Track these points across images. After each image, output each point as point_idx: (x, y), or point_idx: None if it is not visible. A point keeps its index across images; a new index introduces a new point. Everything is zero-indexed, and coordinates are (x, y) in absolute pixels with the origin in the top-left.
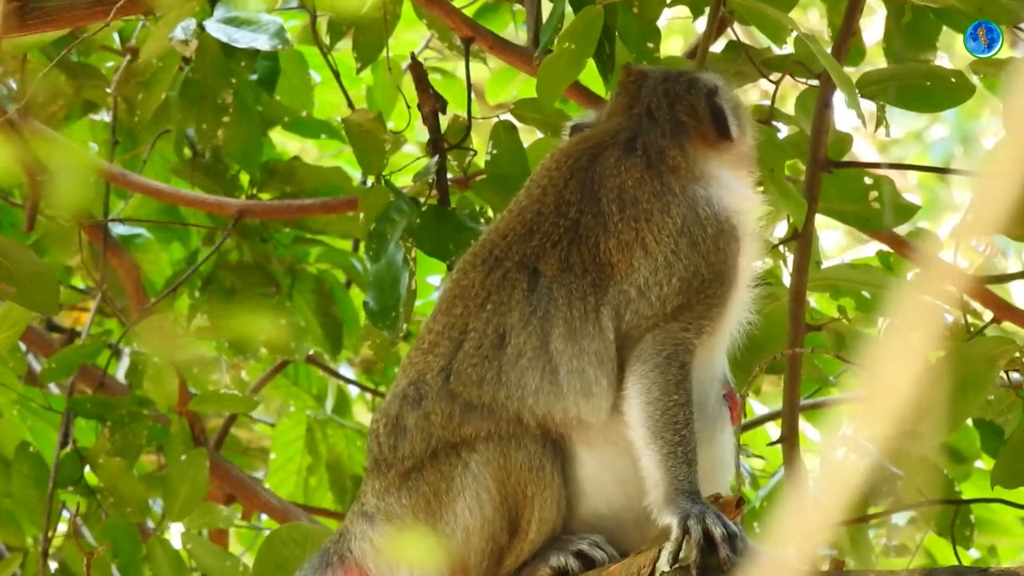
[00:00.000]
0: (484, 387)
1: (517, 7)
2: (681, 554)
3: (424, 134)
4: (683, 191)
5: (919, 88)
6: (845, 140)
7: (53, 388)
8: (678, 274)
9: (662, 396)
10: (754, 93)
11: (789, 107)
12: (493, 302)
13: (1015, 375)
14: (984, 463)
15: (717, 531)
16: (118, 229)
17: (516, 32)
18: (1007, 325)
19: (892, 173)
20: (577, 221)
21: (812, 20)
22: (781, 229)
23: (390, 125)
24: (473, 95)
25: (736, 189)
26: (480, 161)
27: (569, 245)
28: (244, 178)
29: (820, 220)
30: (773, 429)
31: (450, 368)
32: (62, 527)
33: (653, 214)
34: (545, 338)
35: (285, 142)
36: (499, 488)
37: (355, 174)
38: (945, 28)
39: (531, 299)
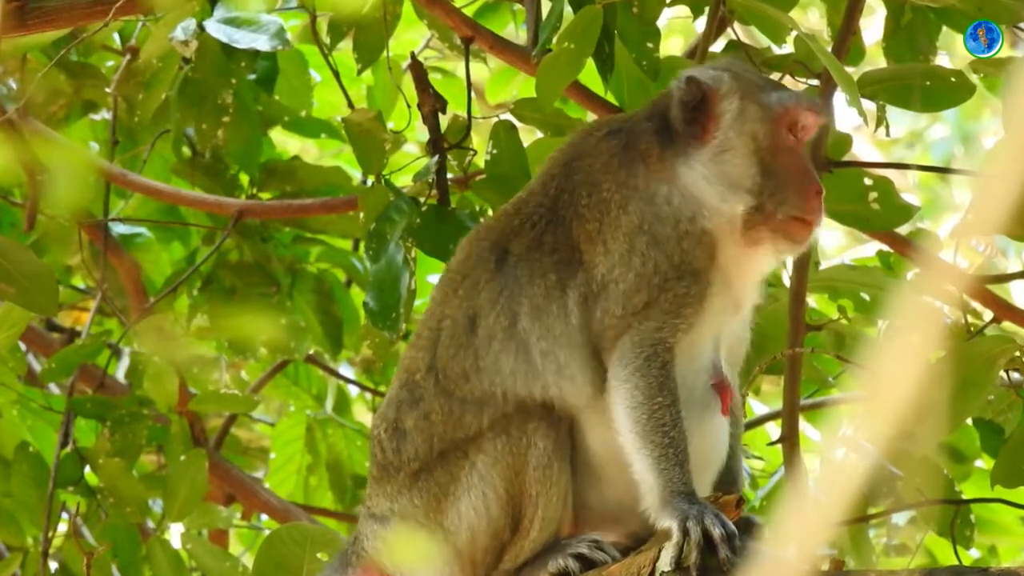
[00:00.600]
0: (470, 379)
1: (517, 7)
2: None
3: (424, 134)
4: (646, 186)
5: (919, 88)
6: (845, 140)
7: (53, 388)
8: (635, 270)
9: (646, 400)
10: None
11: None
12: (464, 286)
13: (1015, 375)
14: (984, 463)
15: (716, 531)
16: (118, 229)
17: (516, 32)
18: (1007, 325)
19: (892, 173)
20: (556, 199)
21: (812, 20)
22: None
23: (390, 125)
24: (473, 95)
25: (715, 186)
26: (480, 161)
27: (546, 224)
28: (244, 178)
29: None
30: (773, 429)
31: (435, 365)
32: (62, 527)
33: (611, 208)
34: (513, 318)
35: (285, 142)
36: (506, 487)
37: (355, 174)
38: (945, 28)
39: (498, 279)
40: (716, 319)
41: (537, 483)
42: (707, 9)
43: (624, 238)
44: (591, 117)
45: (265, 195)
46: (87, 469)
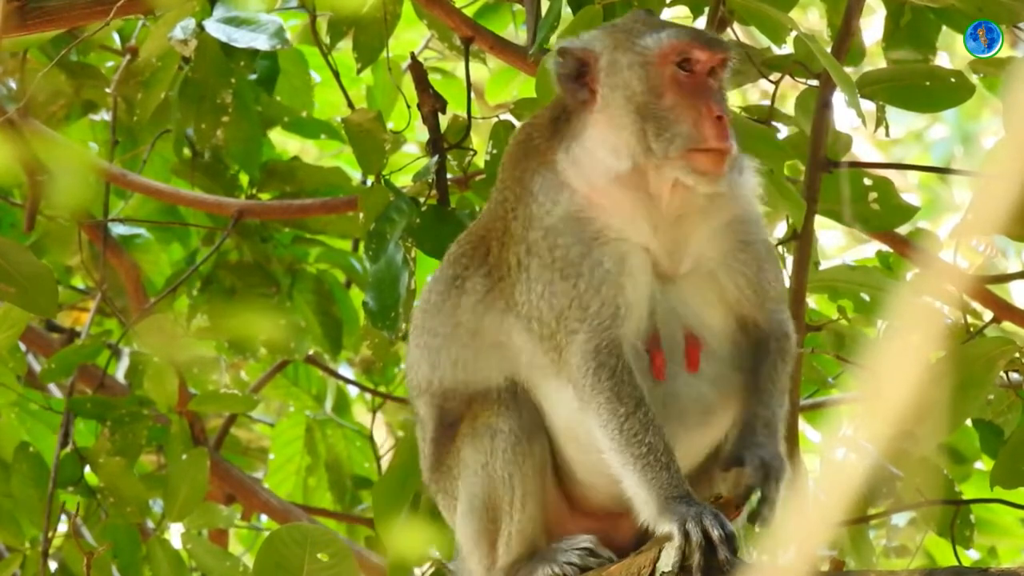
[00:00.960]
0: (407, 378)
1: (517, 7)
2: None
3: (424, 134)
4: (529, 182)
5: (919, 88)
6: (845, 140)
7: (53, 389)
8: (525, 286)
9: (611, 416)
10: (754, 93)
11: (789, 107)
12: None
13: (1015, 375)
14: (984, 463)
15: (715, 533)
16: (118, 229)
17: (516, 32)
18: (1007, 325)
19: (892, 173)
20: (492, 198)
21: (812, 20)
22: (780, 229)
23: (390, 125)
24: (473, 95)
25: (596, 158)
26: (480, 161)
27: (477, 221)
28: (244, 178)
29: (820, 220)
30: None
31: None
32: (62, 527)
33: (508, 212)
34: (423, 315)
35: (285, 142)
36: (480, 475)
37: (355, 174)
38: (945, 28)
39: (430, 281)
40: (643, 291)
41: (510, 463)
42: (707, 9)
43: (514, 250)
44: None
45: (265, 195)
46: (87, 469)
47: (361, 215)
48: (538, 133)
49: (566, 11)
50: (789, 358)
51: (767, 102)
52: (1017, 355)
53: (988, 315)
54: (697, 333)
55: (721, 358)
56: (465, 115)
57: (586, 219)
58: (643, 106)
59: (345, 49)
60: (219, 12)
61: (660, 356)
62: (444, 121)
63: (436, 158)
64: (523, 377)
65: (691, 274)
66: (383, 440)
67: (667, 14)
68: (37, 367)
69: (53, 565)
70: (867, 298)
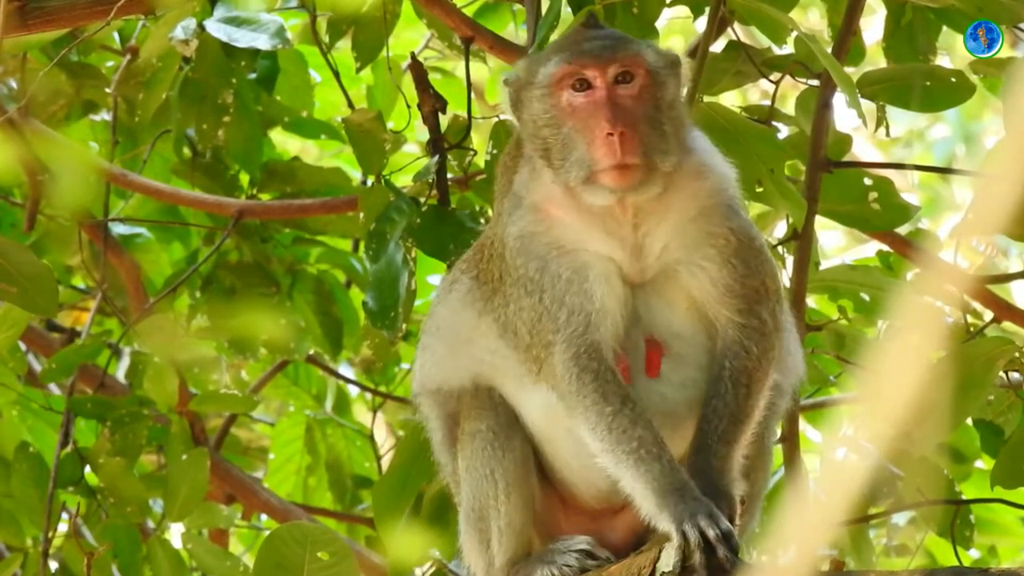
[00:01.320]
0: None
1: (517, 7)
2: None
3: (424, 134)
4: (504, 199)
5: (919, 88)
6: (845, 140)
7: (53, 388)
8: (501, 300)
9: (599, 417)
10: (754, 93)
11: (789, 107)
12: None
13: (1015, 375)
14: (984, 463)
15: (711, 532)
16: (118, 229)
17: (516, 32)
18: (1007, 325)
19: (893, 173)
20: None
21: (812, 20)
22: (780, 229)
23: (390, 125)
24: (473, 95)
25: (542, 177)
26: (480, 161)
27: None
28: (244, 178)
29: (820, 220)
30: None
31: None
32: (62, 527)
33: (491, 227)
34: (426, 317)
35: (285, 142)
36: (470, 476)
37: (355, 174)
38: (945, 28)
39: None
40: (612, 296)
41: (490, 459)
42: (707, 9)
43: (497, 262)
44: None
45: (265, 195)
46: (87, 469)
47: (361, 215)
48: (510, 150)
49: (566, 11)
50: (749, 379)
51: (767, 102)
52: (1017, 355)
53: (988, 315)
54: (660, 338)
55: (688, 363)
56: (465, 115)
57: (539, 234)
58: (547, 138)
59: (345, 49)
60: (220, 12)
61: (624, 361)
62: (444, 121)
63: (436, 158)
64: (491, 379)
65: (657, 277)
66: (383, 440)
67: (667, 14)
68: (37, 367)
69: (53, 565)
70: (867, 298)
